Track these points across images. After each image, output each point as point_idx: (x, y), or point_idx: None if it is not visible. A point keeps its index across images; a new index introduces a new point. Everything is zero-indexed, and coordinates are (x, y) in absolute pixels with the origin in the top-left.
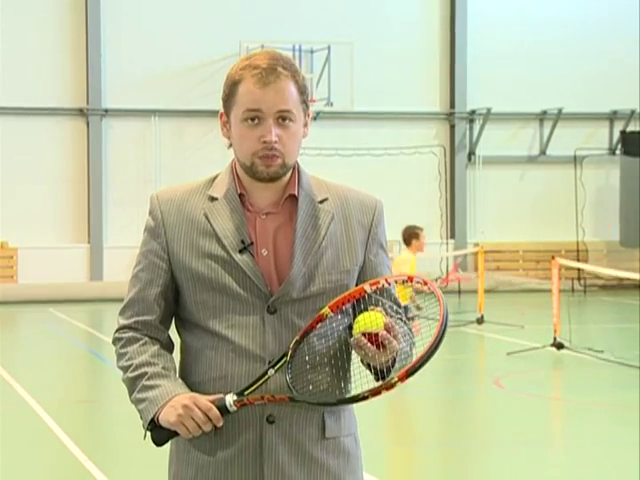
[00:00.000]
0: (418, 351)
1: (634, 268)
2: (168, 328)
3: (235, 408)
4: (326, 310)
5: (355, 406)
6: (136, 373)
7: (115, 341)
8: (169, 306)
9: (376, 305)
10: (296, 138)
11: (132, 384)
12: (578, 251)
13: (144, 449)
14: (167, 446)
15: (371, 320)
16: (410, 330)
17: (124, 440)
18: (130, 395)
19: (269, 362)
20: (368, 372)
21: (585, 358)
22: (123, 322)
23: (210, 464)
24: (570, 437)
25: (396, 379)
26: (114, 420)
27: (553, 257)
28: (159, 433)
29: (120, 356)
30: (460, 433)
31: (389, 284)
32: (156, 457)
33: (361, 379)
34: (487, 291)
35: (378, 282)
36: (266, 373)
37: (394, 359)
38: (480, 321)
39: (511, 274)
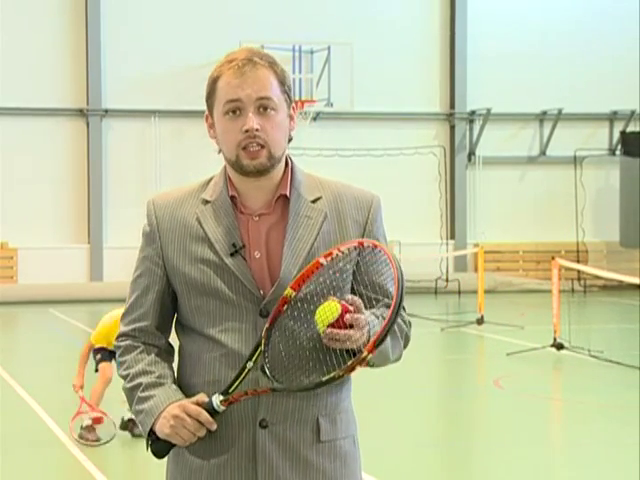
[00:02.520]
0: (381, 322)
1: (634, 269)
2: (166, 333)
3: (223, 407)
4: (289, 291)
5: (355, 406)
6: (132, 384)
7: (115, 348)
8: (167, 311)
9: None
10: (280, 128)
11: (130, 395)
12: (578, 251)
13: (143, 450)
14: None
15: (326, 311)
16: (382, 296)
17: (124, 441)
18: (130, 406)
19: (261, 366)
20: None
21: (585, 359)
22: (122, 329)
23: (203, 468)
24: (570, 437)
25: (365, 352)
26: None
27: (553, 257)
28: (158, 445)
29: (120, 365)
30: (460, 433)
31: (342, 252)
32: (155, 458)
33: (337, 358)
34: (487, 291)
35: (331, 252)
36: (245, 367)
37: (369, 333)
38: (480, 321)
39: (511, 274)
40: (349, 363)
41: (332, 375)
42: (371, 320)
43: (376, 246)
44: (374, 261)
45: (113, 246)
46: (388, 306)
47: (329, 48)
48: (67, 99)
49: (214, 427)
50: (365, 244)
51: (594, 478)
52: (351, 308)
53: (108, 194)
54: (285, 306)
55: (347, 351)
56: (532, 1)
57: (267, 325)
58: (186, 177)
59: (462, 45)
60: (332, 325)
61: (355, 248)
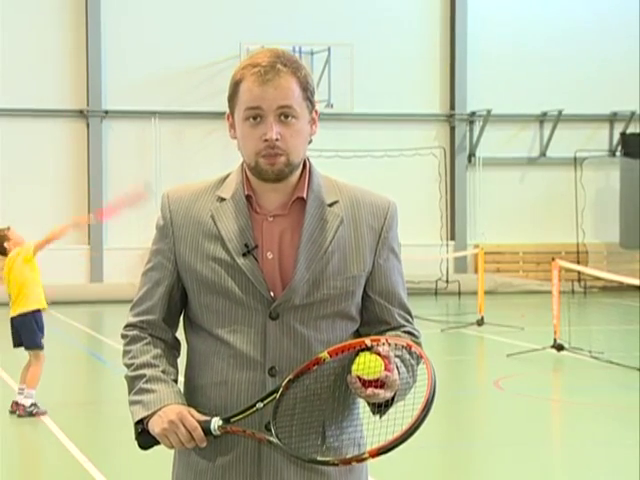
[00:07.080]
0: (396, 429)
1: (634, 270)
2: (174, 327)
3: (219, 433)
4: (325, 355)
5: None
6: (135, 373)
7: (122, 337)
8: (175, 306)
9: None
10: (300, 135)
11: (131, 383)
12: (578, 253)
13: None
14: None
15: (369, 366)
16: (413, 369)
17: (124, 441)
18: (129, 393)
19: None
20: (350, 430)
21: (585, 360)
22: (130, 319)
23: (208, 469)
24: (570, 439)
25: (367, 455)
26: (114, 421)
27: (553, 259)
28: (146, 438)
29: (125, 353)
30: (460, 435)
31: (389, 344)
32: (155, 459)
33: (340, 436)
34: (487, 293)
35: (379, 339)
36: (254, 405)
37: (393, 396)
38: (480, 323)
39: (511, 276)
40: (348, 457)
41: (327, 460)
42: (402, 378)
43: (421, 357)
44: (389, 267)
45: (113, 247)
46: (399, 326)
47: (329, 49)
48: (67, 100)
49: (203, 444)
50: (413, 349)
51: (594, 478)
52: (390, 367)
53: (108, 195)
54: (315, 367)
55: (372, 405)
56: (532, 2)
57: (291, 377)
58: (186, 178)
59: (462, 46)
60: (361, 379)
61: (403, 347)
